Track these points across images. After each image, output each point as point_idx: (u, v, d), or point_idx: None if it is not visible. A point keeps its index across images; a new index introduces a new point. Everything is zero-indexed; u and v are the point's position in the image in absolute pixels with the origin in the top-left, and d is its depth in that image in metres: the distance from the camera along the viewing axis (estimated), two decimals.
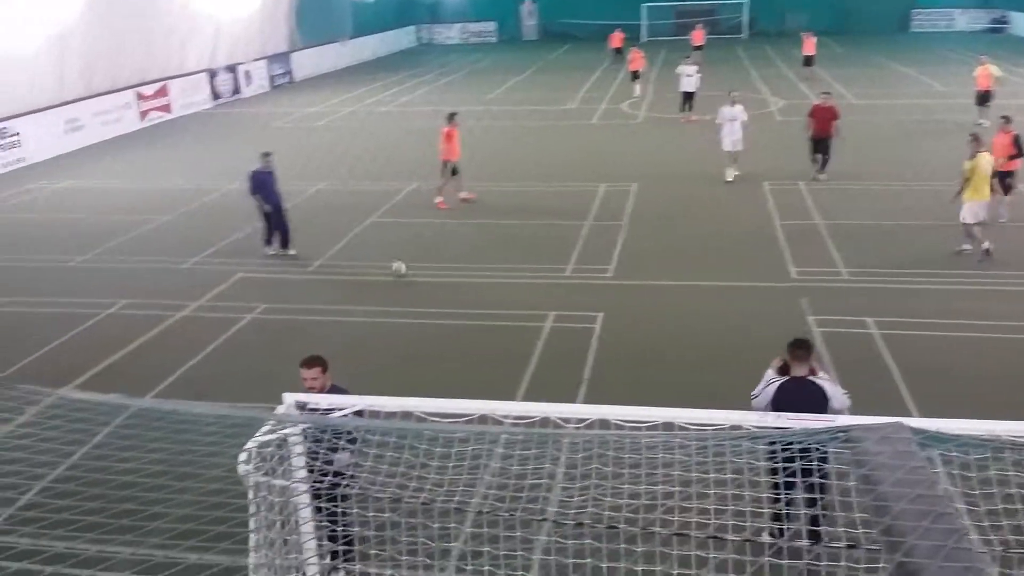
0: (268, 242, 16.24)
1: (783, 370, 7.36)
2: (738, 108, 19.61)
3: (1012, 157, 15.85)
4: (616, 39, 43.79)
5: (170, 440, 6.39)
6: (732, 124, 19.56)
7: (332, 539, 6.11)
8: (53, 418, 4.63)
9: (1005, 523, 4.10)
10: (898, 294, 13.12)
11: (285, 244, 16.22)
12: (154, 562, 6.11)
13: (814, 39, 36.20)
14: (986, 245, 14.24)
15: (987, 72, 24.79)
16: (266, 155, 16.32)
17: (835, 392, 7.16)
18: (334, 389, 7.14)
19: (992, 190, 14.38)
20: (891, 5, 56.51)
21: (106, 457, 5.74)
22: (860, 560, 4.14)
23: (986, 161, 14.22)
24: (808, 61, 36.18)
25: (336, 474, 5.58)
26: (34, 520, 5.36)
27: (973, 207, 14.20)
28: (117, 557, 6.05)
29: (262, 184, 15.98)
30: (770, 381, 7.31)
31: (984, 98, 24.87)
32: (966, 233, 14.51)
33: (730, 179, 19.72)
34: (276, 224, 16.15)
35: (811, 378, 7.24)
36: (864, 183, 18.93)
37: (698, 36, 42.20)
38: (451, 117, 19.09)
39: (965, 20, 56.22)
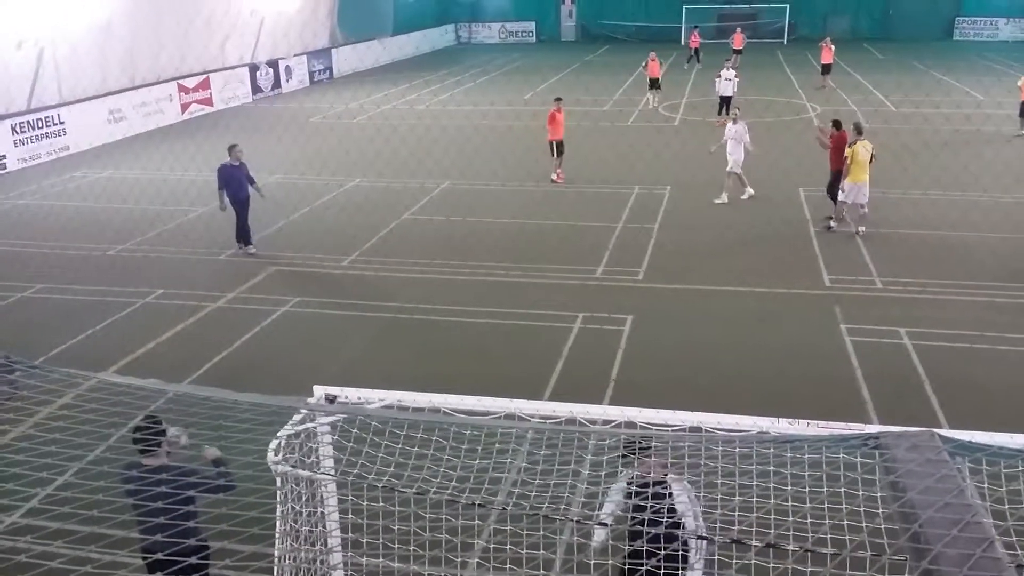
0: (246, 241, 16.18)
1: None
2: (741, 126, 18.86)
3: None
4: (694, 39, 43.37)
5: (203, 426, 6.52)
6: (735, 143, 18.82)
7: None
8: (91, 401, 4.75)
9: None
10: (932, 305, 12.99)
11: (247, 241, 16.11)
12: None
13: (832, 48, 35.52)
14: (861, 230, 16.12)
15: None
16: (233, 147, 15.95)
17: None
18: None
19: None
20: (935, 12, 55.73)
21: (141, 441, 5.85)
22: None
23: (864, 148, 15.83)
24: (825, 69, 35.43)
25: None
26: (66, 501, 5.50)
27: (851, 188, 15.96)
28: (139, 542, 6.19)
29: (230, 178, 15.69)
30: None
31: None
32: (837, 216, 16.45)
33: (721, 201, 18.75)
34: (239, 219, 15.97)
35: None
36: (900, 190, 18.72)
37: (738, 40, 41.91)
38: (557, 100, 21.19)
39: (1009, 29, 55.31)
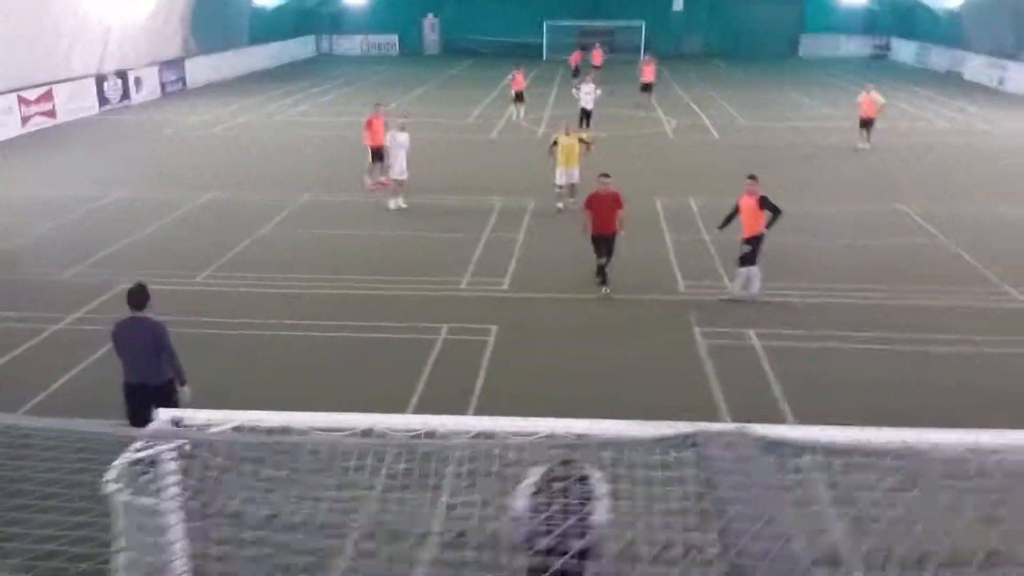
0: None
1: None
2: (405, 135, 19.35)
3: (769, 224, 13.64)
4: (575, 57, 43.76)
5: (35, 459, 6.10)
6: (399, 152, 19.27)
7: None
8: None
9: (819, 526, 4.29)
10: (780, 307, 13.61)
11: None
12: None
13: (653, 65, 35.92)
14: (571, 202, 18.45)
15: (871, 99, 25.64)
16: None
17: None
18: None
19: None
20: (781, 30, 58.83)
21: None
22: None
23: (564, 140, 18.90)
24: (646, 87, 35.51)
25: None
26: None
27: (560, 172, 18.93)
28: None
29: None
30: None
31: (867, 123, 25.89)
32: (558, 194, 19.01)
33: (394, 207, 19.42)
34: None
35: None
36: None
37: (597, 56, 42.99)
38: (375, 106, 21.32)
39: (850, 46, 59.00)
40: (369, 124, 20.97)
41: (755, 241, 13.59)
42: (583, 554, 4.98)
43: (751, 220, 13.63)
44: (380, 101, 22.02)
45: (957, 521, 4.38)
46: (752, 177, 13.84)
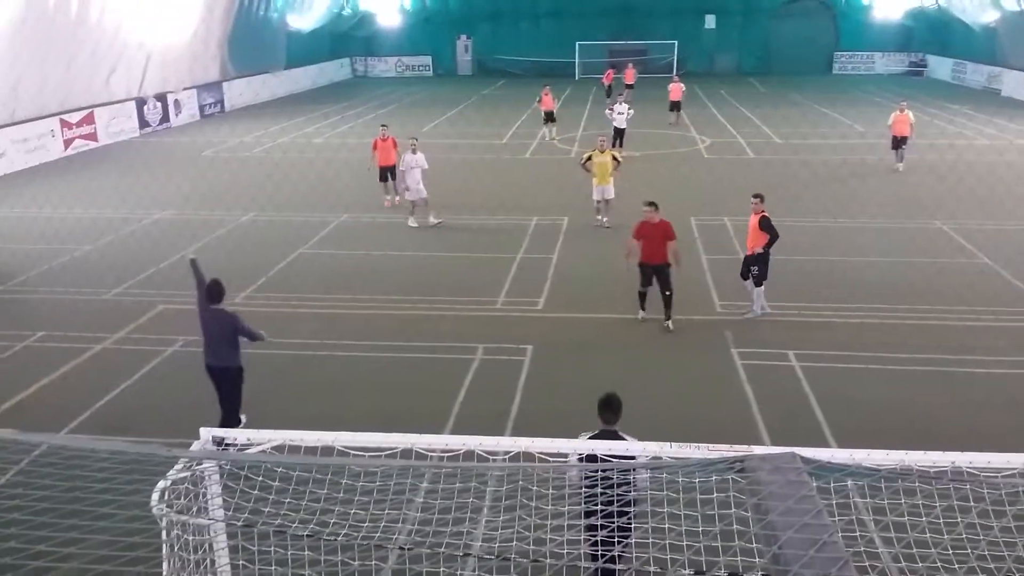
0: None
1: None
2: (420, 156, 19.47)
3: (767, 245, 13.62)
4: (608, 76, 43.98)
5: (83, 479, 6.20)
6: (413, 172, 19.42)
7: None
8: None
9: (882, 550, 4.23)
10: (817, 327, 13.47)
11: None
12: None
13: (681, 85, 35.93)
14: (605, 221, 19.31)
15: (906, 118, 25.09)
16: None
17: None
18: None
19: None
20: (815, 48, 58.51)
21: (17, 496, 5.54)
22: None
23: (598, 157, 19.27)
24: (674, 106, 35.65)
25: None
26: None
27: (596, 189, 19.36)
28: None
29: None
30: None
31: (900, 143, 25.35)
32: (596, 209, 19.57)
33: (414, 224, 19.69)
34: None
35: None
36: (785, 219, 19.40)
37: (630, 75, 43.00)
38: (382, 127, 22.28)
39: (884, 63, 58.54)
40: (375, 146, 21.89)
41: (756, 259, 13.68)
42: (626, 514, 5.04)
43: (754, 239, 13.75)
44: (385, 123, 22.98)
45: (1013, 547, 4.31)
46: (757, 196, 13.82)
